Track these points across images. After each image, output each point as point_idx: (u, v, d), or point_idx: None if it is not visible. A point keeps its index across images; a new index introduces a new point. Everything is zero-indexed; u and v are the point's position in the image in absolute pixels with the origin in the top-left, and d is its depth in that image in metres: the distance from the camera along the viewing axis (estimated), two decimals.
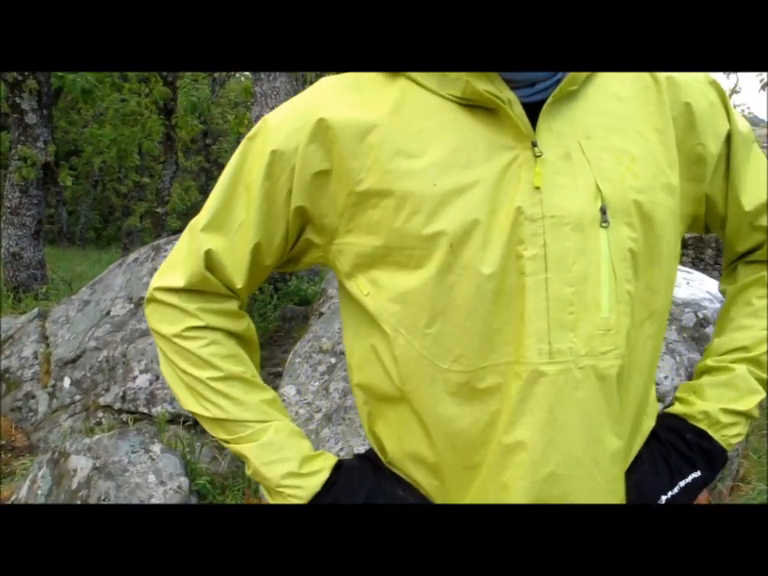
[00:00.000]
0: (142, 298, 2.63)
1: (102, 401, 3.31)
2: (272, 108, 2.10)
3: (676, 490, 0.82)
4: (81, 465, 2.37)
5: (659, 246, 0.76)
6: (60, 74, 5.28)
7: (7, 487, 2.87)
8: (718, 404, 0.85)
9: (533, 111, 0.73)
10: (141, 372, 3.32)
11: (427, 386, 0.75)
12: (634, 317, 0.75)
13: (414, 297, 0.73)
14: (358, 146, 0.74)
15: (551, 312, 0.71)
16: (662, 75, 0.79)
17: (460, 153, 0.72)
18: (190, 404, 0.84)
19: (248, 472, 0.85)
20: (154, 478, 2.22)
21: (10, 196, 5.64)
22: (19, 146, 5.49)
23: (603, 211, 0.72)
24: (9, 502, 2.69)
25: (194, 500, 2.38)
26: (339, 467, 0.83)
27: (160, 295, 0.84)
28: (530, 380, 0.71)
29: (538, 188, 0.71)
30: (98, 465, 2.32)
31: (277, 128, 0.78)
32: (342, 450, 2.53)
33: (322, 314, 3.64)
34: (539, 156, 0.72)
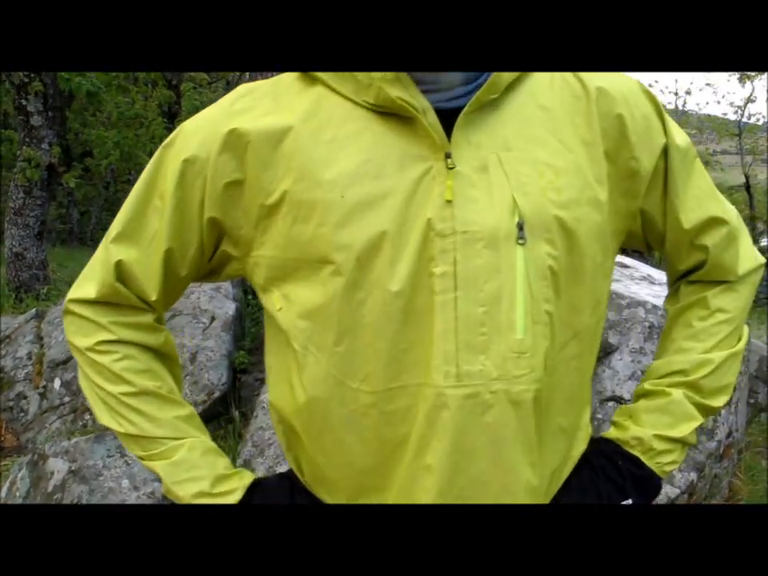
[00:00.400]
0: None
1: (88, 403, 3.30)
2: None
3: None
4: (57, 468, 2.36)
5: (583, 264, 0.73)
6: (66, 76, 5.29)
7: None
8: (652, 430, 0.81)
9: (452, 119, 0.70)
10: None
11: (336, 406, 0.72)
12: (555, 338, 0.71)
13: (323, 313, 0.70)
14: (271, 154, 0.72)
15: (460, 333, 0.68)
16: (592, 85, 0.75)
17: (371, 163, 0.69)
18: (105, 419, 0.82)
19: (162, 490, 0.83)
20: (127, 483, 2.21)
21: (14, 197, 5.67)
22: (24, 147, 5.52)
23: (520, 227, 0.69)
24: None
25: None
26: (256, 486, 0.80)
27: (74, 307, 0.82)
28: (436, 404, 0.68)
29: (449, 202, 0.68)
30: (73, 468, 2.30)
31: (191, 136, 0.76)
32: None
33: None
34: (452, 168, 0.69)
